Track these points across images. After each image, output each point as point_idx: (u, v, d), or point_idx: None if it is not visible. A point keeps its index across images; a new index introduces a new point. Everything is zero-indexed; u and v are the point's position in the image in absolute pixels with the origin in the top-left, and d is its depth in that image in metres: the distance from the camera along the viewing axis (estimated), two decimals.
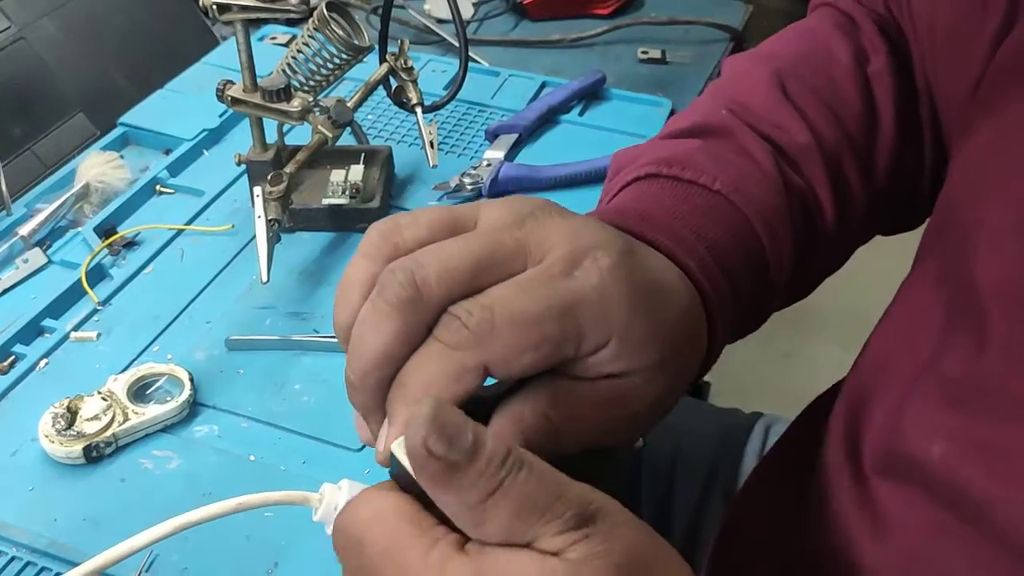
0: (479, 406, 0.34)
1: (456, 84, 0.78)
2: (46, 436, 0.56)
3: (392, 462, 0.32)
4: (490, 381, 0.34)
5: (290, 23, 1.02)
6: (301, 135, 0.74)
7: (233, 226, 0.74)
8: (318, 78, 0.73)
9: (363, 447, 0.58)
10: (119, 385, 0.59)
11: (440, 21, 1.02)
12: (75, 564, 0.47)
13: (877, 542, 0.41)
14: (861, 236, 0.55)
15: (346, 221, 0.74)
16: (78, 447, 0.55)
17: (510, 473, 0.28)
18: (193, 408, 0.60)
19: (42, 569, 0.51)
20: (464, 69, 0.77)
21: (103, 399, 0.58)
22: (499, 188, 0.77)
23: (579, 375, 0.35)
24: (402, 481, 0.31)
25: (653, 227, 0.42)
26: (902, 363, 0.42)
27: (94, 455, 0.56)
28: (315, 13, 0.70)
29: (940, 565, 0.38)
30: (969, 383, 0.38)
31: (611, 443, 0.37)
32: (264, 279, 0.64)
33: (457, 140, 0.85)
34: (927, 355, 0.40)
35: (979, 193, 0.41)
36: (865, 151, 0.51)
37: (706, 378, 1.45)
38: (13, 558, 0.51)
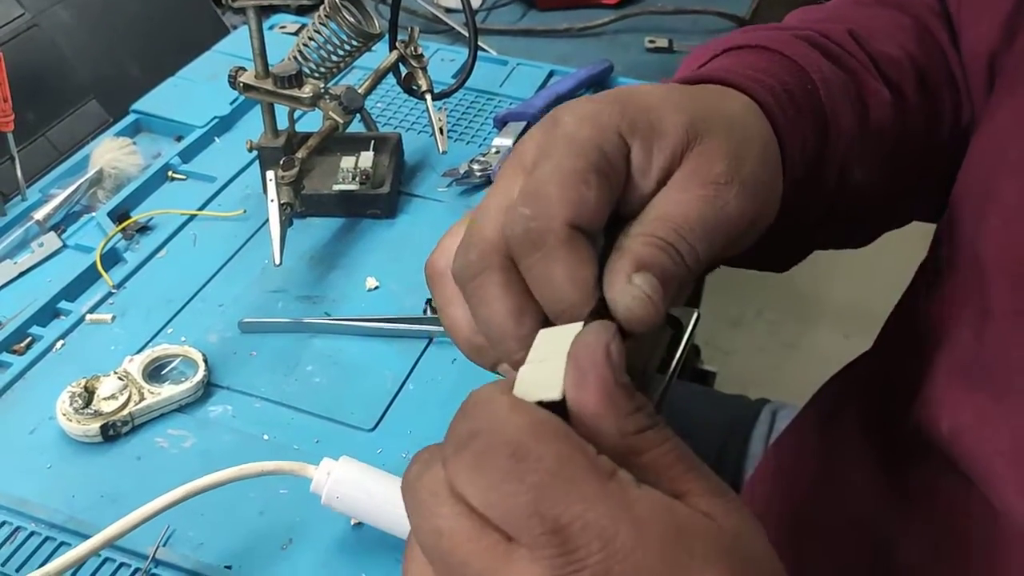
0: None
1: (466, 71, 0.79)
2: (64, 415, 0.57)
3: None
4: None
5: (300, 12, 1.03)
6: (311, 123, 0.75)
7: (245, 211, 0.75)
8: (328, 65, 0.74)
9: (375, 427, 0.59)
10: (135, 366, 0.60)
11: (449, 11, 1.03)
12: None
13: (900, 515, 0.41)
14: (916, 171, 0.51)
15: (356, 207, 0.75)
16: (95, 425, 0.56)
17: (661, 419, 0.28)
18: (207, 389, 0.61)
19: (61, 544, 0.52)
20: (473, 57, 0.78)
21: (119, 379, 0.59)
22: None
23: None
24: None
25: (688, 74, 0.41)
26: (919, 344, 0.43)
27: (111, 433, 0.57)
28: (327, 0, 0.70)
29: (958, 536, 0.38)
30: (973, 357, 0.38)
31: (736, 228, 0.34)
32: (277, 262, 0.64)
33: (466, 128, 0.86)
34: (941, 334, 0.41)
35: (994, 171, 0.41)
36: (920, 61, 0.49)
37: (712, 367, 1.45)
38: (32, 533, 0.52)
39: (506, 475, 0.26)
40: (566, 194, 0.31)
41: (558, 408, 0.28)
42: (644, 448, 0.27)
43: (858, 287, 1.90)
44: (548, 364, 0.29)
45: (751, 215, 0.35)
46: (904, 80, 0.48)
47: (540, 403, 0.28)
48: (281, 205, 0.67)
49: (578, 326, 0.30)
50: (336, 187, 0.74)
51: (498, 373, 0.35)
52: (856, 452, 0.47)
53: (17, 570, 0.51)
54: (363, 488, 0.49)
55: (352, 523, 0.52)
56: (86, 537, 0.50)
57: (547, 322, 0.33)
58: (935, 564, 0.40)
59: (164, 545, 0.51)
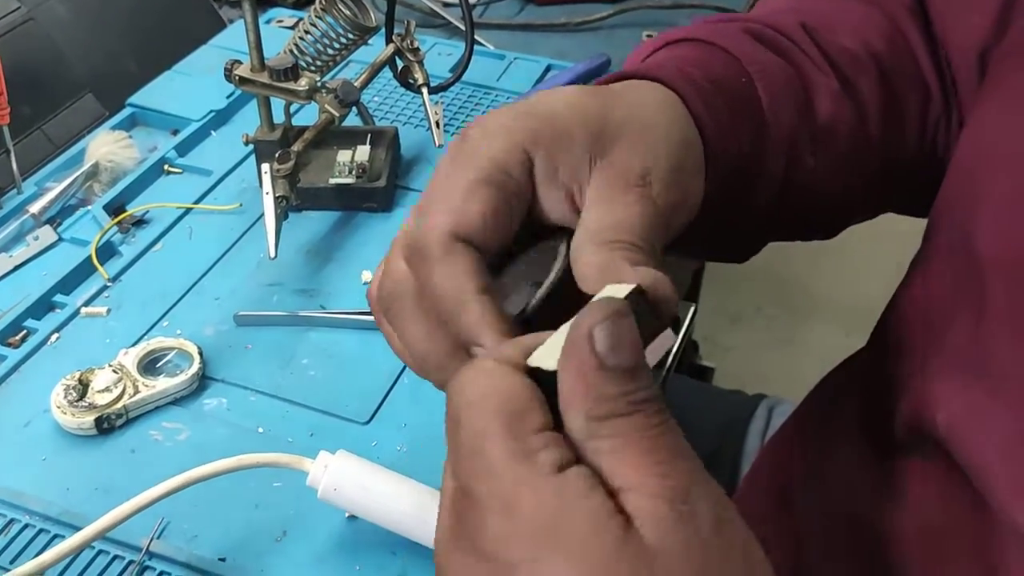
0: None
1: (462, 65, 0.79)
2: (58, 407, 0.57)
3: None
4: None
5: (296, 6, 1.02)
6: (307, 116, 0.75)
7: (241, 205, 0.75)
8: (325, 58, 0.73)
9: (369, 420, 0.59)
10: (130, 359, 0.60)
11: (446, 4, 1.03)
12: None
13: (895, 511, 0.41)
14: (875, 166, 0.50)
15: (352, 200, 0.75)
16: (90, 418, 0.56)
17: (658, 412, 0.27)
18: (202, 381, 0.60)
19: (55, 536, 0.52)
20: (470, 51, 0.78)
21: (114, 372, 0.59)
22: None
23: (573, 203, 0.35)
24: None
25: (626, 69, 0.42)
26: (914, 337, 0.43)
27: (105, 426, 0.57)
28: None
29: (952, 532, 0.38)
30: (969, 351, 0.38)
31: (669, 221, 0.36)
32: (272, 255, 0.64)
33: (463, 122, 0.86)
34: (936, 327, 0.41)
35: (985, 165, 0.41)
36: (886, 62, 0.49)
37: (709, 363, 1.45)
38: (27, 525, 0.52)
39: (449, 440, 0.29)
40: (447, 205, 0.33)
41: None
42: (605, 434, 0.27)
43: (857, 283, 1.90)
44: (558, 337, 0.29)
45: (676, 204, 0.36)
46: (860, 74, 0.48)
47: (540, 369, 0.28)
48: (277, 198, 0.66)
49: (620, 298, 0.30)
50: (332, 180, 0.74)
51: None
52: (852, 448, 0.47)
53: (11, 562, 0.51)
54: (359, 483, 0.49)
55: (347, 516, 0.52)
56: (80, 529, 0.50)
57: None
58: (930, 561, 0.40)
59: (158, 537, 0.51)
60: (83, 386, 0.58)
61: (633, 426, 0.26)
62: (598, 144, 0.35)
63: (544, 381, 0.28)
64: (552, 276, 0.34)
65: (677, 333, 0.38)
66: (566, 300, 0.32)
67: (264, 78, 0.69)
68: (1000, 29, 0.46)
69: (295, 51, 0.72)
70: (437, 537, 0.29)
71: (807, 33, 0.48)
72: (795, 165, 0.45)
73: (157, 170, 0.78)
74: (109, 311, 0.66)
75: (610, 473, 0.26)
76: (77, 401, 0.57)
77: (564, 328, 0.29)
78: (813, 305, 1.90)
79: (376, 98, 0.88)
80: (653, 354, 0.29)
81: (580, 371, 0.27)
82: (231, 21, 0.98)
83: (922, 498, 0.41)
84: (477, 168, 0.33)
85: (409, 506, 0.48)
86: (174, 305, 0.66)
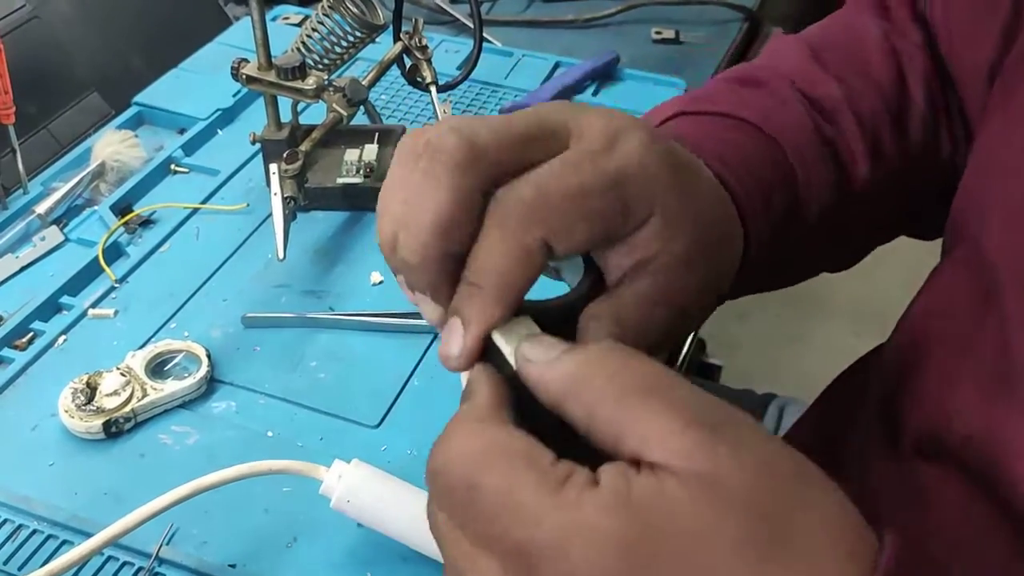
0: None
1: (471, 62, 0.78)
2: (66, 411, 0.56)
3: (488, 353, 0.31)
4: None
5: (302, 3, 1.02)
6: (314, 115, 0.75)
7: (248, 205, 0.74)
8: (332, 56, 0.73)
9: (379, 423, 0.58)
10: (137, 361, 0.59)
11: (453, 1, 1.02)
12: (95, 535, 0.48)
13: (916, 519, 0.41)
14: (896, 211, 0.53)
15: (360, 200, 0.74)
16: (98, 422, 0.56)
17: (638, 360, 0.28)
18: (211, 384, 0.60)
19: (64, 542, 0.51)
20: (478, 49, 0.77)
21: (122, 375, 0.58)
22: None
23: (625, 271, 0.34)
24: (489, 377, 0.30)
25: (680, 142, 0.42)
26: (937, 346, 0.42)
27: (113, 430, 0.56)
28: None
29: (976, 543, 0.38)
30: (997, 364, 0.38)
31: (669, 346, 0.37)
32: (281, 256, 0.64)
33: None
34: (961, 337, 0.40)
35: (993, 176, 0.42)
36: (897, 113, 0.50)
37: (717, 361, 1.45)
38: (35, 531, 0.52)
39: (468, 509, 0.27)
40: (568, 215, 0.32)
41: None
42: (577, 390, 0.27)
43: (864, 280, 1.89)
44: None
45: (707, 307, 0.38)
46: (883, 136, 0.49)
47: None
48: (285, 199, 0.66)
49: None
50: (340, 180, 0.74)
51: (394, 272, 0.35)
52: (865, 455, 0.47)
53: (20, 568, 0.50)
54: (374, 494, 0.48)
55: (357, 523, 0.52)
56: (89, 535, 0.50)
57: None
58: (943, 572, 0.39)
59: (168, 543, 0.51)
60: (91, 389, 0.57)
61: (610, 386, 0.27)
62: (696, 250, 0.35)
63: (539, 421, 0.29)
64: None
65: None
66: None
67: (271, 77, 0.69)
68: (1007, 41, 0.46)
69: (302, 49, 0.72)
70: None
71: (846, 100, 0.49)
72: (819, 229, 0.47)
73: (164, 169, 0.78)
74: (116, 313, 0.65)
75: (623, 438, 0.26)
76: (85, 405, 0.56)
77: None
78: (820, 302, 1.89)
79: (383, 96, 0.88)
80: None
81: (528, 374, 0.29)
82: (237, 18, 0.97)
83: (941, 505, 0.41)
84: (608, 190, 0.32)
85: (423, 519, 0.47)
86: (181, 307, 0.66)
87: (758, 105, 0.47)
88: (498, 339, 0.31)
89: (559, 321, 0.33)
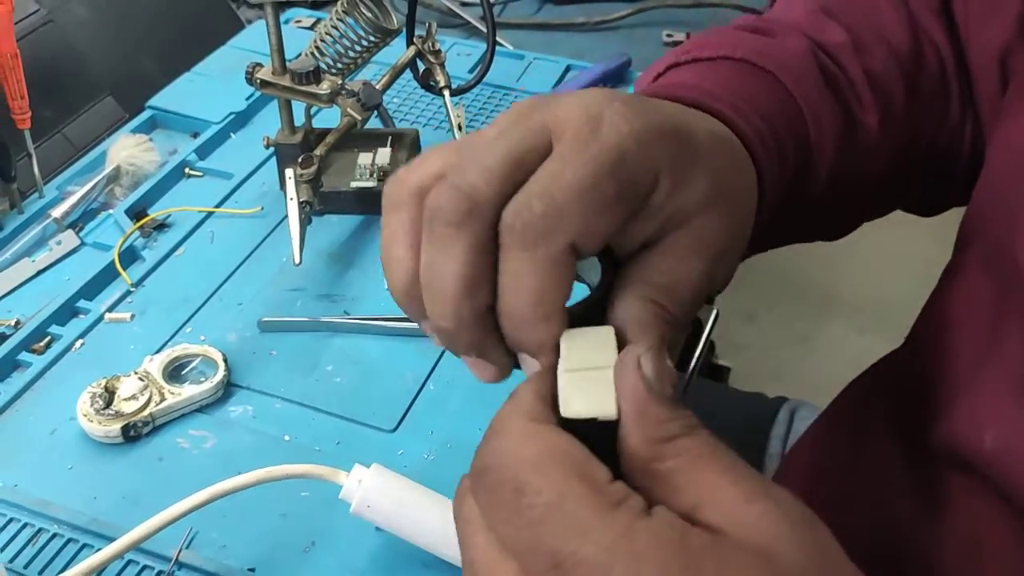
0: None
1: (484, 66, 0.78)
2: (85, 415, 0.57)
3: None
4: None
5: (315, 6, 1.02)
6: (326, 119, 0.75)
7: (262, 209, 0.75)
8: (346, 60, 0.73)
9: (396, 427, 0.59)
10: (155, 366, 0.60)
11: (464, 4, 1.02)
12: (115, 540, 0.48)
13: (935, 525, 0.41)
14: (899, 178, 0.51)
15: (374, 204, 0.74)
16: (116, 426, 0.56)
17: (708, 433, 0.27)
18: (227, 389, 0.60)
19: (83, 546, 0.52)
20: (491, 52, 0.77)
21: (140, 379, 0.59)
22: None
23: (647, 237, 0.33)
24: (543, 375, 0.30)
25: (677, 90, 0.40)
26: (957, 352, 0.42)
27: (132, 434, 0.57)
28: None
29: (995, 552, 0.38)
30: (1020, 370, 0.37)
31: (708, 293, 0.35)
32: (297, 260, 0.64)
33: (483, 124, 0.85)
34: (981, 343, 0.40)
35: (1021, 176, 0.41)
36: (909, 74, 0.49)
37: (726, 362, 1.44)
38: (55, 535, 0.52)
39: (510, 511, 0.26)
40: (576, 212, 0.30)
41: (610, 424, 0.28)
42: (671, 454, 0.27)
43: (871, 281, 1.89)
44: (593, 377, 0.29)
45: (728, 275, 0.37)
46: (894, 92, 0.48)
47: (574, 420, 0.28)
48: (300, 203, 0.66)
49: (607, 330, 0.31)
50: (354, 184, 0.74)
51: (426, 332, 0.34)
52: (883, 461, 0.46)
53: (40, 573, 0.50)
54: (393, 500, 0.48)
55: (375, 527, 0.52)
56: (108, 538, 0.50)
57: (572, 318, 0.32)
58: None
59: (187, 547, 0.51)
60: (109, 394, 0.58)
61: (694, 444, 0.27)
62: (710, 203, 0.34)
63: (579, 430, 0.28)
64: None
65: (700, 337, 0.39)
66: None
67: (286, 81, 0.69)
68: (1021, 33, 0.46)
69: (316, 53, 0.72)
70: None
71: (855, 51, 0.47)
72: (825, 188, 0.45)
73: (178, 173, 0.78)
74: (133, 317, 0.66)
75: (682, 491, 0.26)
76: (104, 409, 0.57)
77: (577, 364, 0.29)
78: (827, 303, 1.89)
79: (396, 99, 0.88)
80: None
81: (637, 399, 0.27)
82: (249, 22, 0.97)
83: (961, 513, 0.41)
84: (614, 178, 0.31)
85: (442, 527, 0.48)
86: (197, 311, 0.66)
87: (756, 45, 0.45)
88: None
89: (591, 321, 0.32)
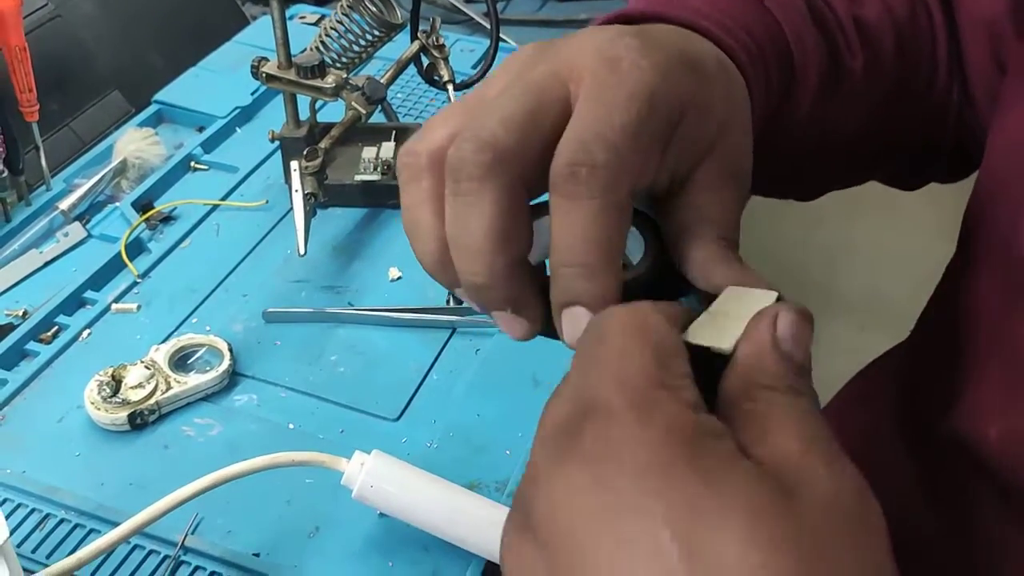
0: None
1: (487, 62, 0.79)
2: (92, 403, 0.57)
3: None
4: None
5: (320, 2, 1.03)
6: (331, 113, 0.75)
7: (267, 202, 0.75)
8: (351, 55, 0.74)
9: (399, 416, 0.59)
10: (161, 355, 0.60)
11: (468, 1, 1.03)
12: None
13: (939, 517, 0.41)
14: (882, 139, 0.50)
15: (378, 197, 0.75)
16: (123, 414, 0.57)
17: (811, 406, 0.26)
18: (232, 378, 0.61)
19: (91, 531, 0.52)
20: (495, 47, 0.78)
21: (146, 368, 0.59)
22: None
23: (677, 172, 0.33)
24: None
25: (665, 8, 0.39)
26: (962, 346, 0.42)
27: (138, 422, 0.57)
28: None
29: (1000, 545, 0.38)
30: None
31: (738, 196, 0.34)
32: (302, 252, 0.65)
33: None
34: (987, 337, 0.40)
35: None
36: (902, 25, 0.48)
37: None
38: (62, 520, 0.53)
39: (585, 354, 0.27)
40: (620, 148, 0.29)
41: (719, 359, 0.28)
42: (760, 398, 0.26)
43: (871, 278, 1.89)
44: (731, 319, 0.28)
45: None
46: (883, 42, 0.47)
47: (705, 349, 0.28)
48: (305, 195, 0.67)
49: (771, 295, 0.30)
50: (358, 177, 0.75)
51: (455, 295, 0.33)
52: (887, 455, 0.47)
53: (47, 557, 0.51)
54: (394, 484, 0.49)
55: (378, 512, 0.53)
56: (115, 524, 0.51)
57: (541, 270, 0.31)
58: (968, 574, 0.40)
59: (193, 533, 0.52)
60: (116, 382, 0.58)
61: (788, 401, 0.26)
62: (725, 125, 0.33)
63: (692, 358, 0.27)
64: (650, 256, 0.33)
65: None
66: (658, 281, 0.32)
67: (291, 75, 0.70)
68: (1013, 9, 0.45)
69: (321, 48, 0.73)
70: (535, 456, 0.26)
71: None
72: (802, 137, 0.44)
73: (184, 167, 0.79)
74: (139, 307, 0.66)
75: (748, 429, 0.26)
76: (111, 397, 0.57)
77: (726, 310, 0.29)
78: (827, 299, 1.89)
79: (400, 94, 0.88)
80: None
81: (757, 343, 0.27)
82: (254, 17, 0.98)
83: (964, 508, 0.41)
84: (652, 117, 0.30)
85: (443, 507, 0.48)
86: (203, 301, 0.67)
87: None
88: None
89: (643, 294, 0.31)
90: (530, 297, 0.31)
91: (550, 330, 0.32)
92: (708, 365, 0.28)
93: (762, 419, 0.26)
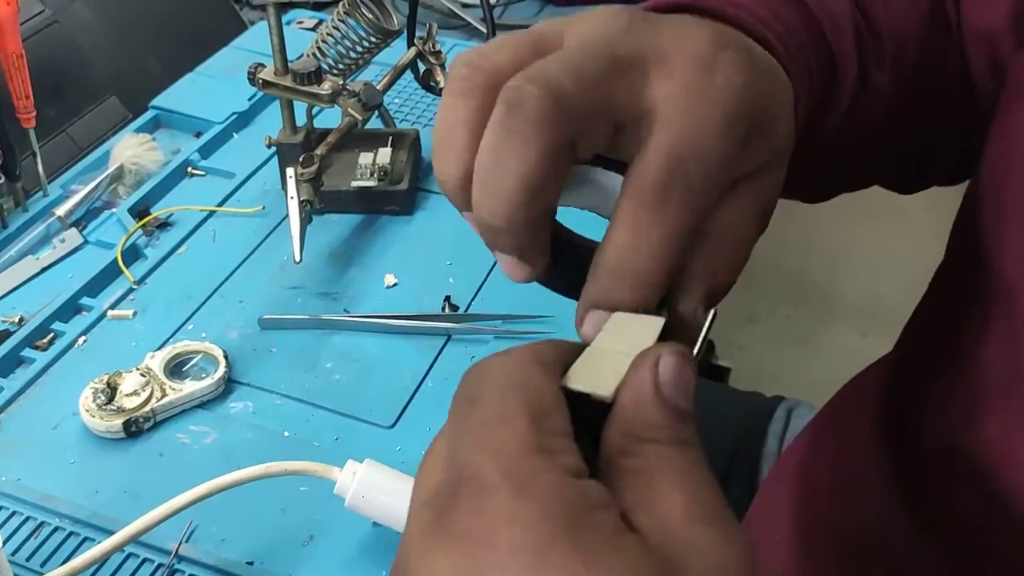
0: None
1: None
2: (87, 411, 0.57)
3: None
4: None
5: (317, 7, 1.03)
6: (328, 119, 0.75)
7: (263, 208, 0.75)
8: (347, 61, 0.74)
9: (394, 424, 0.59)
10: (156, 362, 0.60)
11: (465, 5, 1.03)
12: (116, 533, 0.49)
13: (923, 525, 0.41)
14: (897, 131, 0.49)
15: (374, 203, 0.75)
16: (118, 421, 0.57)
17: (696, 459, 0.25)
18: (228, 385, 0.61)
19: (85, 539, 0.52)
20: None
21: (141, 375, 0.59)
22: None
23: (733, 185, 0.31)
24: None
25: (712, 2, 0.37)
26: (944, 356, 0.42)
27: (133, 429, 0.57)
28: None
29: (979, 554, 0.38)
30: (1006, 374, 0.38)
31: (757, 236, 0.33)
32: (297, 259, 0.65)
33: None
34: (968, 345, 0.40)
35: (1013, 182, 0.40)
36: (925, 25, 0.47)
37: (726, 363, 1.44)
38: (57, 528, 0.53)
39: (458, 416, 0.26)
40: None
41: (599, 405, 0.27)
42: (638, 453, 0.25)
43: (872, 283, 1.89)
44: (614, 359, 0.27)
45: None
46: (905, 53, 0.46)
47: (572, 391, 0.27)
48: (301, 202, 0.67)
49: (658, 322, 0.29)
50: (354, 183, 0.75)
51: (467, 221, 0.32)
52: (872, 463, 0.47)
53: (42, 565, 0.51)
54: (386, 492, 0.49)
55: (373, 521, 0.52)
56: (109, 532, 0.51)
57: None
58: None
59: (187, 541, 0.52)
60: (111, 389, 0.58)
61: (669, 456, 0.25)
62: (776, 157, 0.33)
63: (575, 404, 0.27)
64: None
65: (697, 337, 0.38)
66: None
67: (288, 82, 0.70)
68: (1012, 27, 0.45)
69: (317, 54, 0.73)
70: (409, 526, 0.26)
71: (860, 9, 0.45)
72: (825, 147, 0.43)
73: (181, 172, 0.79)
74: (135, 314, 0.66)
75: (629, 490, 0.25)
76: (106, 404, 0.57)
77: (610, 345, 0.28)
78: (828, 304, 1.90)
79: (397, 100, 0.88)
80: None
81: (638, 392, 0.26)
82: (251, 23, 0.98)
83: (945, 518, 0.41)
84: (743, 117, 0.29)
85: None
86: (199, 308, 0.67)
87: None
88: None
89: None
90: (540, 251, 0.30)
91: (549, 281, 0.32)
92: (592, 409, 0.27)
93: (645, 479, 0.25)
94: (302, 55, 0.73)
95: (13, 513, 0.54)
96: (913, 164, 0.53)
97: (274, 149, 0.74)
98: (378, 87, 0.73)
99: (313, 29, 0.97)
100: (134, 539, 0.49)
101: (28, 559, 0.52)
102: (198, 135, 0.83)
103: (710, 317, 0.36)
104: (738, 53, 0.30)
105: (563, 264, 0.31)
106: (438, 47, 0.77)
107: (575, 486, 0.24)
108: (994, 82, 0.47)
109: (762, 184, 0.32)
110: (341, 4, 0.72)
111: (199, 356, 0.62)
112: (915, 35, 0.47)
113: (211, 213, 0.75)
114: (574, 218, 0.33)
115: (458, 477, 0.25)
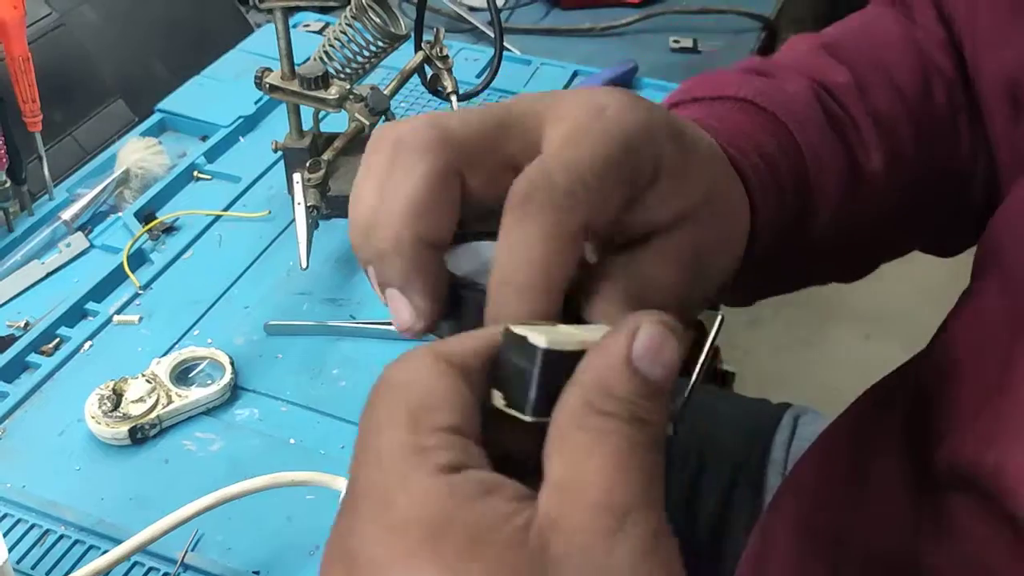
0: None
1: (491, 71, 0.79)
2: (93, 417, 0.57)
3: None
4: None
5: (324, 11, 1.02)
6: (334, 123, 0.75)
7: (270, 212, 0.75)
8: (354, 66, 0.73)
9: None
10: (162, 368, 0.60)
11: (472, 9, 1.02)
12: (122, 542, 0.49)
13: (939, 546, 0.41)
14: (912, 220, 0.50)
15: None
16: (124, 428, 0.57)
17: (652, 441, 0.24)
18: (234, 392, 0.61)
19: (90, 547, 0.52)
20: (499, 57, 0.78)
21: (147, 382, 0.59)
22: None
23: (633, 235, 0.32)
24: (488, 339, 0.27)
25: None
26: (968, 377, 0.41)
27: (139, 436, 0.57)
28: (353, 1, 0.70)
29: (999, 573, 0.38)
30: None
31: (686, 306, 0.33)
32: (304, 265, 0.65)
33: None
34: (993, 370, 0.40)
35: None
36: (918, 113, 0.48)
37: (731, 367, 1.44)
38: (62, 536, 0.53)
39: (360, 422, 0.27)
40: None
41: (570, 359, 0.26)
42: (590, 427, 0.24)
43: (875, 286, 1.89)
44: (566, 336, 0.27)
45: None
46: (900, 132, 0.47)
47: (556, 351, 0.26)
48: (308, 208, 0.67)
49: (601, 328, 0.28)
50: None
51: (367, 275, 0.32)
52: (888, 479, 0.46)
53: (47, 573, 0.51)
54: None
55: None
56: (115, 540, 0.50)
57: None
58: None
59: (192, 550, 0.52)
60: (117, 396, 0.58)
61: (617, 434, 0.24)
62: (706, 212, 0.34)
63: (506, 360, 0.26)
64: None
65: (703, 344, 0.37)
66: None
67: (294, 86, 0.69)
68: None
69: (324, 58, 0.72)
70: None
71: (859, 93, 0.47)
72: (831, 234, 0.45)
73: (187, 176, 0.78)
74: (141, 319, 0.66)
75: (564, 465, 0.24)
76: (112, 411, 0.57)
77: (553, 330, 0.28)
78: (831, 307, 1.89)
79: (404, 104, 0.88)
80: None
81: (607, 355, 0.25)
82: (258, 25, 0.98)
83: (967, 537, 0.40)
84: (624, 156, 0.30)
85: None
86: (205, 313, 0.67)
87: (757, 85, 0.44)
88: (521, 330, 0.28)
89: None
90: (425, 286, 0.30)
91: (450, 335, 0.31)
92: (558, 372, 0.25)
93: (582, 456, 0.24)
94: (309, 59, 0.72)
95: (18, 520, 0.53)
96: (942, 229, 0.53)
97: (280, 153, 0.74)
98: (385, 91, 0.72)
99: (320, 32, 0.97)
100: (140, 549, 0.49)
101: (33, 567, 0.51)
102: (204, 139, 0.83)
103: (717, 322, 0.36)
104: (630, 98, 0.32)
105: (466, 317, 0.31)
106: (446, 52, 0.77)
107: (443, 485, 0.24)
108: (1016, 124, 0.46)
109: (682, 236, 0.32)
110: (348, 8, 0.72)
111: (205, 362, 0.62)
112: (908, 111, 0.48)
113: (217, 217, 0.75)
114: None
115: (350, 491, 0.26)
